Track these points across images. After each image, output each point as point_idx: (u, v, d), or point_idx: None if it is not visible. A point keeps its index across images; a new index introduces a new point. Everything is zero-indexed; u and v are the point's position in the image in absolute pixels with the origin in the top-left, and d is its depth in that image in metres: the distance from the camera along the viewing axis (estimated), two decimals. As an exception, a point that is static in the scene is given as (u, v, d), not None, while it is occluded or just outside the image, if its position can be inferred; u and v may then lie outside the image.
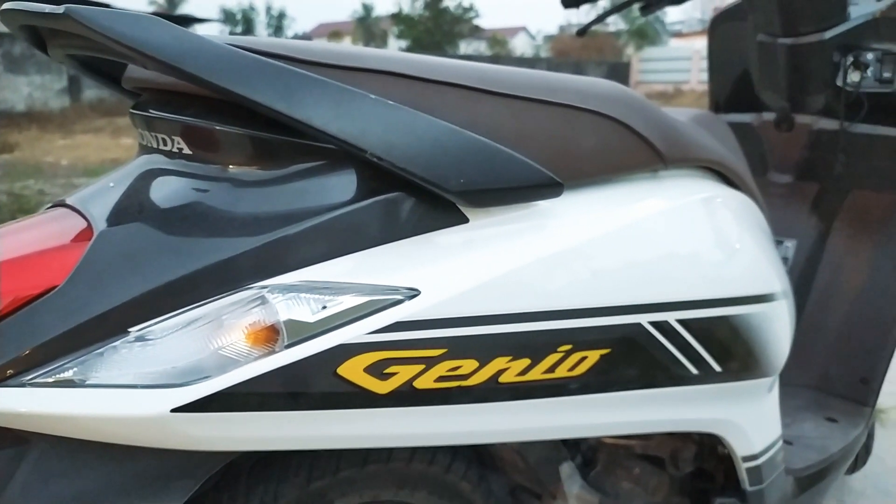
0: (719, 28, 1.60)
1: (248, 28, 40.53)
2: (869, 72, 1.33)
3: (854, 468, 1.59)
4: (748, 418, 0.93)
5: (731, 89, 1.60)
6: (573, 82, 0.76)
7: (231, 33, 39.33)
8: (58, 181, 5.59)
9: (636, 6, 1.43)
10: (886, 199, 1.42)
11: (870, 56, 1.33)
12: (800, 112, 1.44)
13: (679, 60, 18.67)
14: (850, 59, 1.33)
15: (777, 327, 0.92)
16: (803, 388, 1.46)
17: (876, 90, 1.34)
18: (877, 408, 1.47)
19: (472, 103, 0.68)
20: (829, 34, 1.31)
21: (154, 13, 0.59)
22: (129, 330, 0.57)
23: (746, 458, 0.94)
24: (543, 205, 0.71)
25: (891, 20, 1.30)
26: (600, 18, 1.51)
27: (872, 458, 1.64)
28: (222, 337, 0.58)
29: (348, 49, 0.67)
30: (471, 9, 28.31)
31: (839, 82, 1.35)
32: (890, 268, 1.41)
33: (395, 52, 0.70)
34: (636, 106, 0.80)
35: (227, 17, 41.27)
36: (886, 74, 1.33)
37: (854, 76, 1.33)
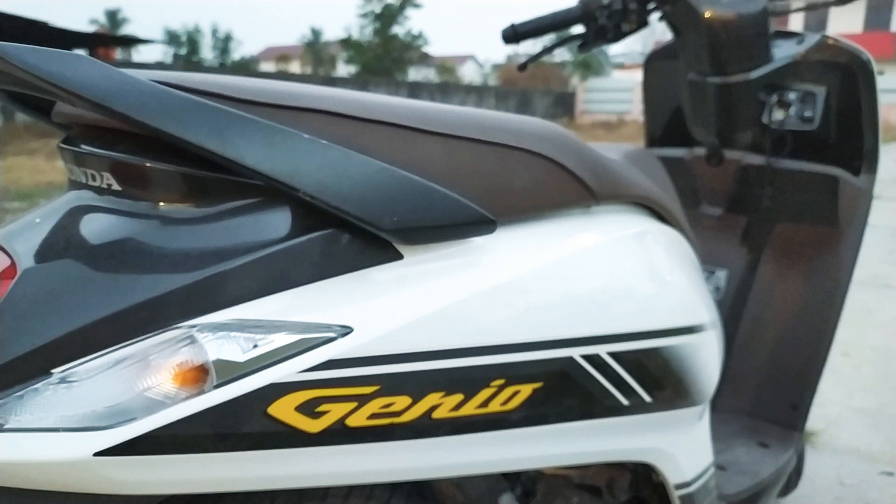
0: (654, 65, 1.66)
1: (194, 50, 39.88)
2: (792, 110, 1.40)
3: (786, 491, 1.64)
4: (679, 446, 0.95)
5: (664, 124, 1.66)
6: (506, 121, 0.78)
7: (175, 55, 38.66)
8: (-11, 205, 5.38)
9: (574, 44, 1.48)
10: (810, 231, 1.48)
11: (792, 95, 1.40)
12: (729, 147, 1.50)
13: (622, 92, 19.25)
14: (775, 98, 1.40)
15: (706, 356, 0.94)
16: (736, 414, 1.50)
17: (799, 128, 1.41)
18: (808, 431, 1.52)
19: (405, 142, 0.69)
20: (754, 74, 1.37)
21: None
22: (52, 371, 0.56)
23: (679, 486, 0.96)
24: (477, 241, 0.72)
25: (810, 63, 1.38)
26: (541, 54, 1.55)
27: (804, 480, 1.69)
28: (149, 378, 0.56)
29: (281, 87, 0.67)
30: (420, 36, 28.60)
31: (765, 120, 1.42)
32: (816, 297, 1.47)
33: (328, 89, 0.70)
34: (567, 144, 0.82)
35: (172, 39, 40.56)
36: (808, 113, 1.40)
37: (778, 114, 1.40)
